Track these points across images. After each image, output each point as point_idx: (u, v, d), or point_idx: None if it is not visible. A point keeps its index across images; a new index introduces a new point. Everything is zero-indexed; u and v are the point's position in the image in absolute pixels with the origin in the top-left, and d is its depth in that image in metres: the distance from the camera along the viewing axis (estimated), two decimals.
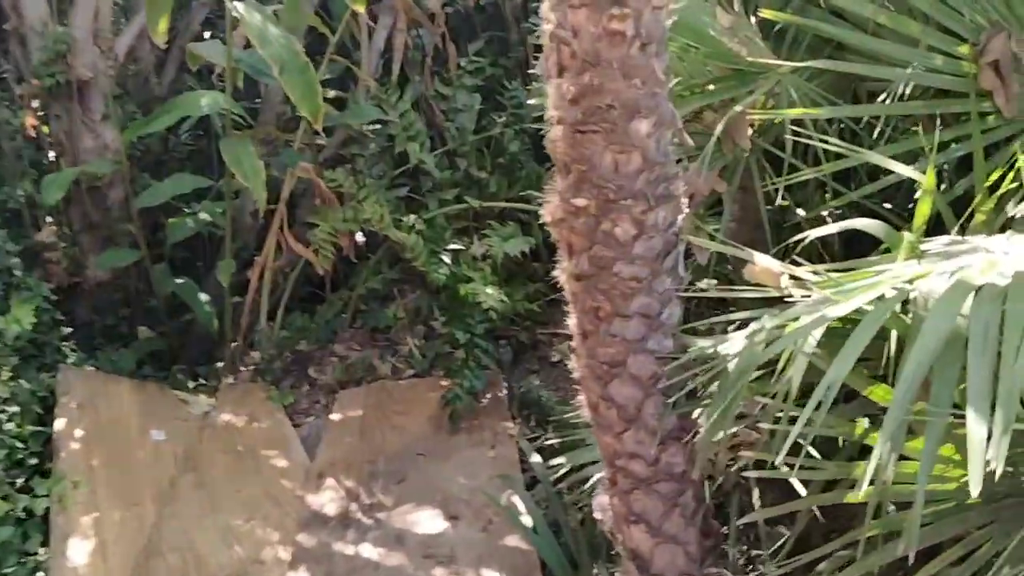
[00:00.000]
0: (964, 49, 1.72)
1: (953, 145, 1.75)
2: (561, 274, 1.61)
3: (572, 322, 1.65)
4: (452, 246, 3.70)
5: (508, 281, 3.79)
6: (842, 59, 2.28)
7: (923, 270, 1.30)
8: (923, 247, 1.46)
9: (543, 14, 1.49)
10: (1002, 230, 1.58)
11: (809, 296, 1.54)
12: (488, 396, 3.50)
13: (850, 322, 1.36)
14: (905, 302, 1.30)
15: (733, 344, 1.53)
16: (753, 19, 2.31)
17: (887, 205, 2.65)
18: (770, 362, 1.49)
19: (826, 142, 1.81)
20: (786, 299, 1.56)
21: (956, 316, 1.06)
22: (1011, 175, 1.45)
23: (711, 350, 1.53)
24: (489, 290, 3.47)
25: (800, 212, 2.87)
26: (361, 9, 3.19)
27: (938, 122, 1.62)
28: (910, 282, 1.27)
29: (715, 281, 2.84)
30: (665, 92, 1.50)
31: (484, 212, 3.96)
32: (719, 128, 1.97)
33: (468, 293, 3.47)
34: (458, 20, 4.51)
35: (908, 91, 1.79)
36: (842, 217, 2.91)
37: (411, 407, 3.49)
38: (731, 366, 1.50)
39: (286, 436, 3.37)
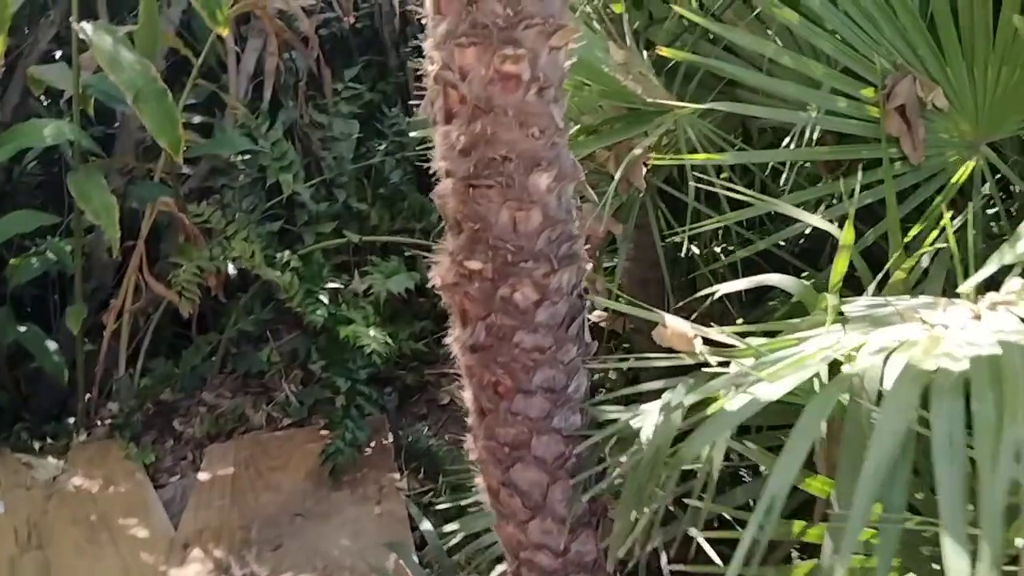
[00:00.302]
0: (868, 92, 1.65)
1: (860, 193, 1.66)
2: (454, 344, 1.43)
3: (467, 397, 1.47)
4: (330, 284, 3.46)
5: (392, 319, 3.58)
6: (732, 95, 2.20)
7: (854, 341, 1.19)
8: (844, 308, 1.36)
9: (427, 52, 1.32)
10: (917, 284, 1.50)
11: (723, 360, 1.42)
12: (372, 444, 3.27)
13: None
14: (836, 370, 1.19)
15: (647, 418, 1.39)
16: (645, 54, 2.20)
17: (780, 242, 2.59)
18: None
19: (731, 189, 1.70)
20: (701, 365, 1.43)
21: (912, 411, 0.94)
22: (934, 233, 1.36)
23: (622, 425, 1.38)
24: (372, 332, 3.25)
25: (695, 249, 2.80)
26: (225, 33, 2.93)
27: (860, 170, 1.52)
28: (848, 358, 1.15)
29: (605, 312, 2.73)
30: (565, 141, 1.34)
31: (365, 246, 3.75)
32: (619, 173, 1.84)
33: (349, 336, 3.23)
34: (333, 43, 4.28)
35: (812, 135, 1.71)
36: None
37: (288, 461, 3.22)
38: (645, 442, 1.36)
39: (147, 501, 3.05)
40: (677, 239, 2.72)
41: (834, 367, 1.18)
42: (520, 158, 1.28)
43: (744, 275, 2.36)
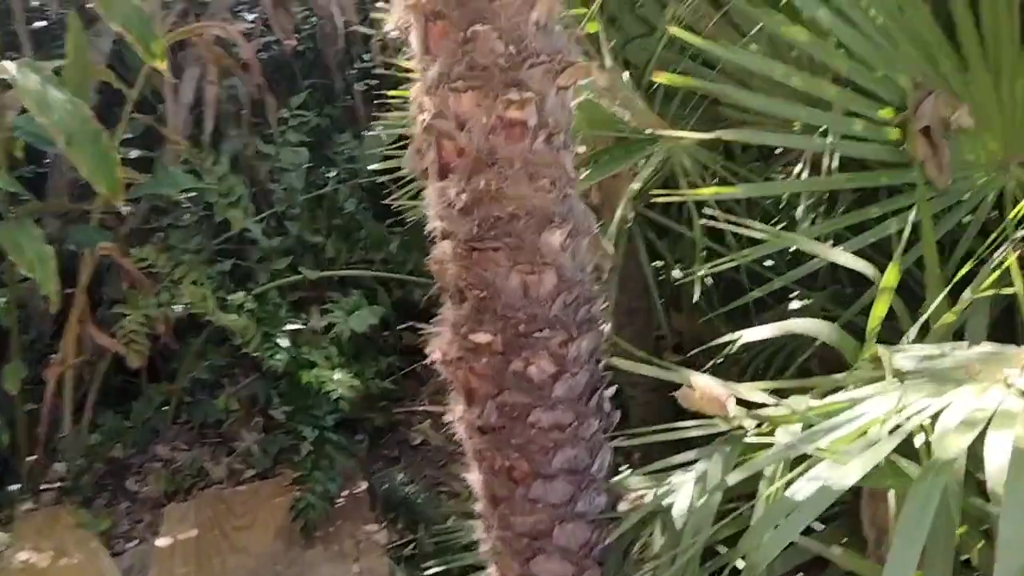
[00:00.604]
0: (886, 113, 1.52)
1: (883, 223, 1.53)
2: (458, 424, 1.26)
3: (475, 480, 1.30)
4: (289, 325, 3.25)
5: (356, 357, 3.38)
6: (714, 113, 2.07)
7: (924, 408, 1.05)
8: (896, 359, 1.22)
9: (413, 99, 1.15)
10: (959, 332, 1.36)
11: (759, 424, 1.27)
12: (344, 494, 3.07)
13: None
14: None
15: (680, 493, 1.24)
16: (626, 75, 2.06)
17: (768, 262, 2.47)
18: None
19: (739, 223, 1.56)
20: (735, 429, 1.28)
21: None
22: (993, 275, 1.23)
23: (653, 505, 1.23)
24: (337, 375, 3.05)
25: (677, 273, 2.67)
26: (161, 66, 2.71)
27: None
28: (921, 430, 1.02)
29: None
30: (576, 192, 1.19)
31: (323, 281, 3.54)
32: (618, 213, 1.69)
33: (312, 381, 3.03)
34: (275, 68, 4.07)
35: (831, 162, 1.57)
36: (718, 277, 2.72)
37: (255, 519, 3.00)
38: (679, 522, 1.21)
39: (103, 572, 2.81)
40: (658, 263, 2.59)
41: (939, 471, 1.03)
42: (530, 215, 1.12)
43: (727, 296, 2.24)
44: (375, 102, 3.33)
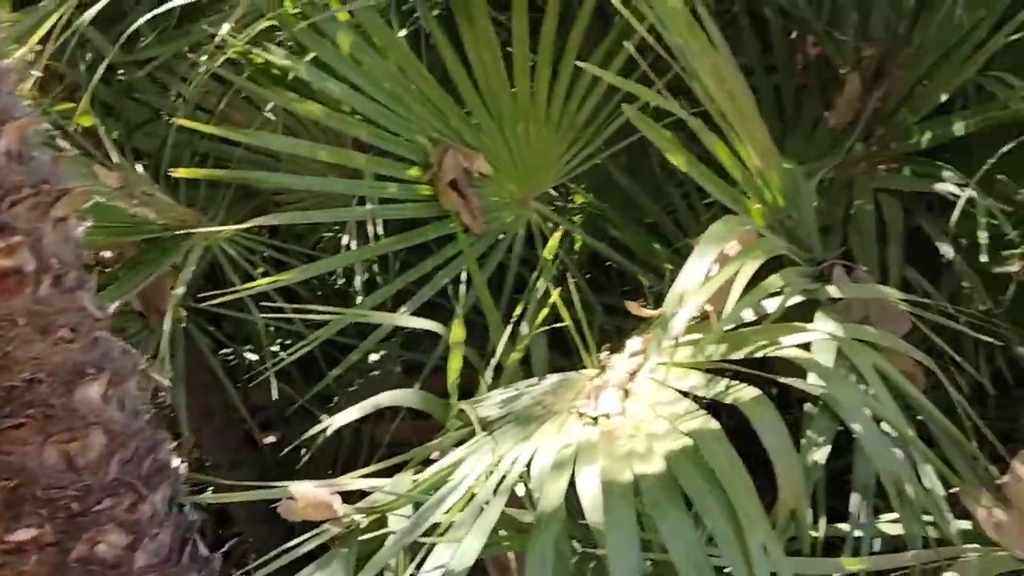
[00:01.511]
0: (414, 172, 1.56)
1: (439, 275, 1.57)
2: None
3: None
4: None
5: None
6: (248, 190, 2.00)
7: (517, 456, 1.07)
8: (479, 409, 1.25)
9: None
10: (524, 365, 1.43)
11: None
12: None
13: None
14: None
15: None
16: (140, 168, 1.89)
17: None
18: None
19: (303, 309, 1.50)
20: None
21: (637, 537, 0.86)
22: (544, 312, 1.30)
23: None
24: None
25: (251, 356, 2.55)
26: None
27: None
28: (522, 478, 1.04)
29: None
30: (108, 329, 1.02)
31: None
32: (163, 315, 1.53)
33: None
34: None
35: (376, 228, 1.57)
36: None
37: None
38: None
39: None
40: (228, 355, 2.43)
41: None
42: (53, 375, 0.94)
43: (307, 370, 2.18)
44: None
